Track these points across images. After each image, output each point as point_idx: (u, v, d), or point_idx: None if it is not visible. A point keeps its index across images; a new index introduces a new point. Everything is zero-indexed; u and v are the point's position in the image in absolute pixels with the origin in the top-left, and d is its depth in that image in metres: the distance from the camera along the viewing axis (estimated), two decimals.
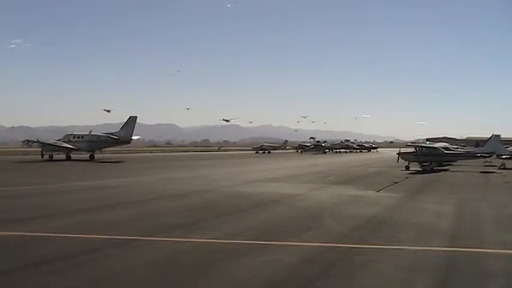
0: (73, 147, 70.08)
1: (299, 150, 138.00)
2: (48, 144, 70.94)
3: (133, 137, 74.93)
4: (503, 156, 59.83)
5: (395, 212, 19.89)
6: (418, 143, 71.94)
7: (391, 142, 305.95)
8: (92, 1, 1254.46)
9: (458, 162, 57.06)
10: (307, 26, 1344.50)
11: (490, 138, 56.94)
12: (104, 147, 74.50)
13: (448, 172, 48.70)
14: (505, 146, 70.50)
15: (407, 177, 39.65)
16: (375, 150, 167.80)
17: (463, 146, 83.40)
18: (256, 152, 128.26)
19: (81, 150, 71.24)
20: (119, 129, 73.50)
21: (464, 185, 33.62)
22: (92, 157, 70.50)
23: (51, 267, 10.55)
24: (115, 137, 72.02)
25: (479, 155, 55.23)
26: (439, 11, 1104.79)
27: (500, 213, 20.04)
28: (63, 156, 69.53)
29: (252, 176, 39.30)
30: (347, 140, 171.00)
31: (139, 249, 12.48)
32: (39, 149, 71.87)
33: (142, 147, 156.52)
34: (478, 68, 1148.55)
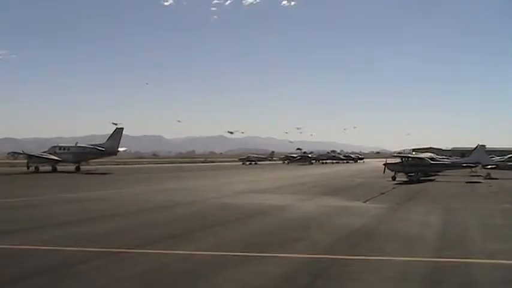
0: (59, 159, 69.61)
1: (286, 161, 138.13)
2: (34, 156, 70.48)
3: (120, 149, 74.50)
4: (489, 166, 60.18)
5: (382, 222, 19.91)
6: (405, 153, 72.19)
7: (377, 153, 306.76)
8: (79, 13, 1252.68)
9: (444, 173, 57.31)
10: (294, 37, 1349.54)
11: (476, 148, 57.30)
12: (90, 159, 73.99)
13: (434, 182, 48.95)
14: (490, 156, 70.89)
15: (393, 188, 39.76)
16: (362, 160, 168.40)
17: (449, 156, 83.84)
18: (243, 163, 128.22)
19: (67, 162, 70.83)
20: (105, 140, 73.13)
21: (450, 195, 33.76)
22: (77, 169, 70.11)
23: (36, 280, 10.45)
24: (101, 148, 71.60)
25: (465, 165, 55.60)
26: (426, 23, 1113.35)
27: (486, 223, 20.12)
28: (49, 168, 69.06)
29: (239, 187, 39.24)
30: (333, 151, 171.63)
31: (125, 261, 12.36)
32: (25, 161, 71.37)
33: (128, 158, 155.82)
34: (465, 78, 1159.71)
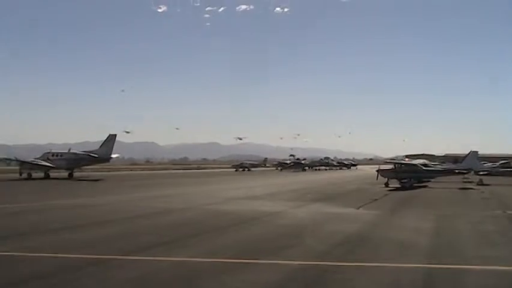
0: (52, 166, 69.38)
1: (279, 168, 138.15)
2: (27, 162, 70.12)
3: (113, 155, 74.35)
4: (481, 173, 60.49)
5: (374, 229, 19.95)
6: (397, 159, 72.37)
7: (370, 159, 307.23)
8: (72, 20, 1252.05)
9: (437, 179, 57.49)
10: (287, 44, 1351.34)
11: (468, 154, 57.52)
12: (83, 165, 73.81)
13: (427, 188, 49.09)
14: (482, 162, 71.26)
15: (386, 194, 39.85)
16: (355, 167, 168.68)
17: (442, 162, 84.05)
18: (236, 170, 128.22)
19: (60, 169, 70.59)
20: (98, 147, 73.00)
21: (443, 202, 33.90)
22: (70, 175, 69.92)
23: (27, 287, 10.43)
24: (94, 155, 71.40)
25: (457, 171, 55.82)
26: (420, 28, 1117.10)
27: (478, 229, 20.21)
28: (41, 174, 68.80)
29: (231, 193, 39.22)
30: (327, 158, 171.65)
31: (118, 268, 12.32)
32: (18, 167, 71.06)
33: (121, 165, 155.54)
34: (457, 85, 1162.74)
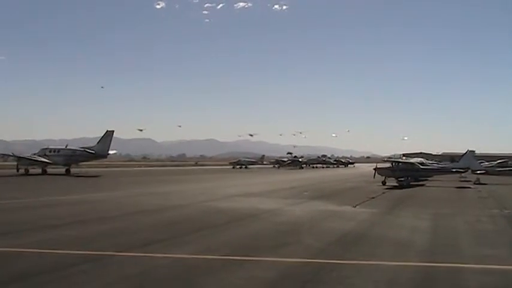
0: (49, 161, 69.39)
1: (276, 166, 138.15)
2: (24, 158, 70.15)
3: (110, 152, 74.36)
4: (478, 172, 60.49)
5: (371, 227, 19.97)
6: (395, 158, 72.48)
7: (368, 157, 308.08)
8: (70, 16, 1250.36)
9: (434, 178, 57.55)
10: (285, 41, 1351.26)
11: (465, 153, 57.57)
12: (81, 162, 73.82)
13: (424, 187, 49.12)
14: (479, 161, 71.39)
15: (383, 193, 39.87)
16: (352, 165, 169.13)
17: (439, 161, 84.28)
18: (233, 167, 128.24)
19: (57, 164, 70.62)
20: (96, 143, 72.98)
21: (440, 200, 33.92)
22: (68, 171, 69.91)
23: (23, 284, 10.41)
24: (91, 151, 71.46)
25: (454, 170, 55.91)
26: (421, 29, 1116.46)
27: (475, 228, 20.23)
28: (38, 170, 68.80)
29: (229, 191, 39.21)
30: (324, 155, 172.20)
31: (115, 265, 12.32)
32: (15, 163, 71.06)
33: (118, 161, 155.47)
34: (456, 83, 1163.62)
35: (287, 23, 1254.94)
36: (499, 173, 63.79)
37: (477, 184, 53.08)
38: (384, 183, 50.12)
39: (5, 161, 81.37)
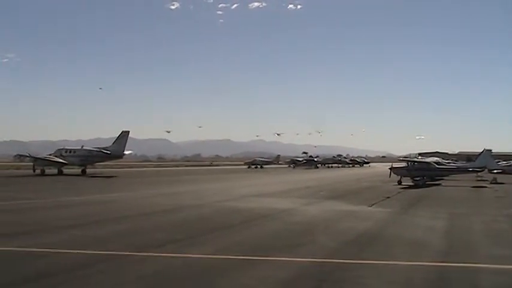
0: (65, 162, 69.85)
1: (291, 165, 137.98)
2: (40, 158, 70.67)
3: (126, 152, 74.73)
4: (495, 171, 60.03)
5: (387, 227, 19.90)
6: (410, 157, 72.08)
7: (383, 157, 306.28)
8: (85, 16, 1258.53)
9: (450, 177, 57.17)
10: (300, 40, 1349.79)
11: (482, 152, 57.09)
12: (96, 162, 74.28)
13: (440, 187, 48.80)
14: (496, 160, 70.79)
15: (399, 192, 39.69)
16: (367, 165, 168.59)
17: (455, 160, 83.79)
18: (249, 167, 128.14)
19: (73, 165, 71.07)
20: (111, 144, 73.33)
21: (456, 200, 33.68)
22: (83, 172, 70.33)
23: (40, 283, 10.49)
24: (107, 151, 71.81)
25: (471, 169, 55.42)
26: (437, 28, 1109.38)
27: (492, 228, 20.08)
28: (54, 170, 69.28)
29: (244, 191, 39.23)
30: (339, 155, 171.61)
31: (130, 265, 12.38)
32: (31, 164, 71.57)
33: (134, 162, 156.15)
34: (472, 82, 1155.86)
35: (302, 22, 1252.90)
36: None
37: (494, 183, 52.65)
38: (399, 182, 49.91)
39: (22, 162, 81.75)
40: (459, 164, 67.04)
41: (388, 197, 34.16)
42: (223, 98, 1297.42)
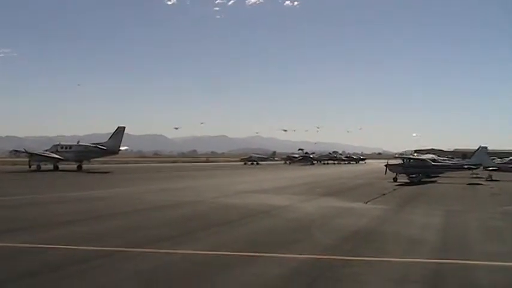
0: (61, 158, 69.65)
1: (287, 162, 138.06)
2: (36, 154, 70.44)
3: (121, 148, 74.58)
4: (490, 168, 60.12)
5: (383, 223, 19.94)
6: (406, 154, 72.21)
7: (379, 154, 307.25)
8: (81, 11, 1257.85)
9: (446, 174, 57.27)
10: (297, 37, 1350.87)
11: (477, 150, 57.24)
12: (92, 158, 74.11)
13: (435, 184, 48.89)
14: (491, 158, 70.87)
15: (395, 189, 39.78)
16: (363, 161, 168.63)
17: (451, 157, 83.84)
18: (245, 163, 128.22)
19: (69, 161, 70.92)
20: (107, 139, 73.19)
21: (452, 197, 33.78)
22: (79, 167, 70.25)
23: (38, 279, 10.50)
24: (103, 147, 71.64)
25: (466, 166, 55.56)
26: (435, 26, 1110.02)
27: (487, 225, 20.15)
28: (50, 166, 69.13)
29: (240, 187, 39.27)
30: (335, 152, 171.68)
31: (127, 261, 12.39)
32: (27, 159, 71.41)
33: (130, 157, 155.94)
34: (467, 79, 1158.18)
35: (299, 18, 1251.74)
36: (511, 170, 63.32)
37: (489, 181, 52.80)
38: (395, 179, 50.04)
39: (18, 157, 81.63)
40: (455, 161, 67.12)
41: (384, 194, 34.24)
42: (220, 94, 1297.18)
